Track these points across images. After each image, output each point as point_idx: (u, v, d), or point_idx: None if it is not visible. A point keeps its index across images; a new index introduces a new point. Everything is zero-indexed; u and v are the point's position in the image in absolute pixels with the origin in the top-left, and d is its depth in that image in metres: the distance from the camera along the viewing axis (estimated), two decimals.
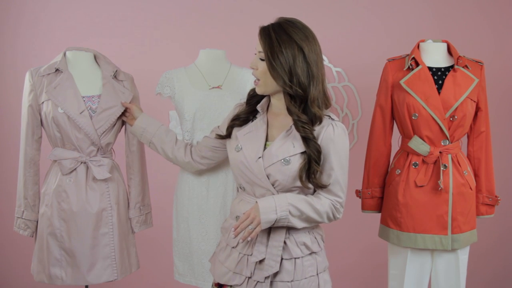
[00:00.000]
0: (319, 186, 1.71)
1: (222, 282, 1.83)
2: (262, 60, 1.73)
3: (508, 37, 3.10)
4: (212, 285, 1.92)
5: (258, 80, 1.76)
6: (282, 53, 1.67)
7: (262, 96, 1.85)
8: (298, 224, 1.71)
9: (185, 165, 2.15)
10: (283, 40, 1.68)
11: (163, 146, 2.13)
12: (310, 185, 1.72)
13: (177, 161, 2.14)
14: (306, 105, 1.70)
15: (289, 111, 1.72)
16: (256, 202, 1.70)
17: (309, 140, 1.69)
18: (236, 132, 1.86)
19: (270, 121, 1.82)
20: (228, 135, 1.90)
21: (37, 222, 2.27)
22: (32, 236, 2.30)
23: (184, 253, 2.29)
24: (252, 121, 1.85)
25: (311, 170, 1.69)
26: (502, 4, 3.09)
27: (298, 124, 1.69)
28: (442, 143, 2.26)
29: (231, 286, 1.80)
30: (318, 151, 1.69)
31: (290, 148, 1.71)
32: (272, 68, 1.68)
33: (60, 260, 2.20)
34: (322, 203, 1.72)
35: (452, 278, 2.31)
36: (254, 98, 1.87)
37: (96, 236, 2.21)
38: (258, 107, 1.83)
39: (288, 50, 1.67)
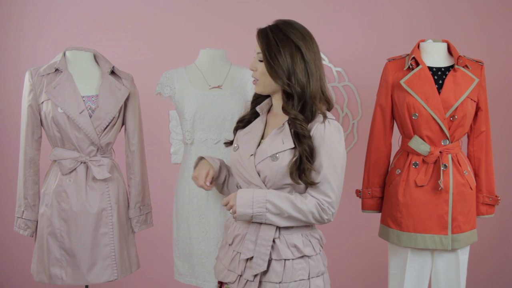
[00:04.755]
0: (309, 183, 1.69)
1: (219, 279, 1.85)
2: (261, 61, 1.74)
3: (508, 37, 3.10)
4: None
5: (257, 79, 1.77)
6: (280, 53, 1.68)
7: (266, 97, 1.86)
8: (279, 222, 1.70)
9: None
10: (281, 40, 1.69)
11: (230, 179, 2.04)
12: (300, 182, 1.70)
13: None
14: (305, 103, 1.70)
15: (285, 111, 1.72)
16: (238, 191, 1.73)
17: (304, 137, 1.68)
18: (238, 133, 1.89)
19: (269, 121, 1.84)
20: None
21: (37, 222, 2.27)
22: (32, 236, 2.30)
23: (184, 253, 2.29)
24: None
25: (302, 167, 1.67)
26: (502, 4, 3.09)
27: (295, 123, 1.69)
28: (442, 143, 2.26)
29: (227, 283, 1.82)
30: (311, 148, 1.68)
31: (279, 145, 1.71)
32: (270, 68, 1.70)
33: (60, 260, 2.20)
34: (306, 202, 1.69)
35: (452, 278, 2.31)
36: (258, 100, 1.88)
37: (96, 236, 2.21)
38: (257, 109, 1.85)
39: (286, 49, 1.68)
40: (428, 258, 2.32)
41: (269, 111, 1.87)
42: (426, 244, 2.25)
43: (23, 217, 2.26)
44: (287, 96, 1.71)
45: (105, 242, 2.23)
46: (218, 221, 2.23)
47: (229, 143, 1.95)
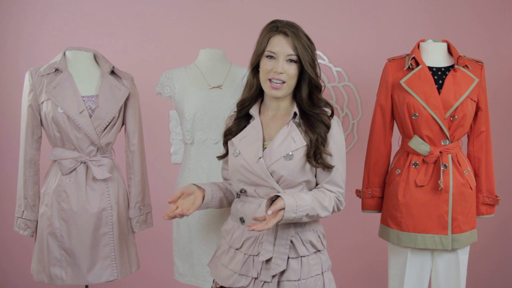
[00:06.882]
0: (326, 166, 1.74)
1: (227, 286, 1.80)
2: (291, 62, 1.76)
3: (508, 37, 3.10)
4: None
5: (283, 82, 1.76)
6: (313, 50, 1.78)
7: (250, 105, 1.87)
8: (305, 221, 1.74)
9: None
10: (307, 38, 1.78)
11: (227, 195, 1.98)
12: (318, 165, 1.74)
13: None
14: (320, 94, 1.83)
15: (311, 105, 1.78)
16: (280, 197, 1.65)
17: (322, 124, 1.76)
18: (231, 140, 1.87)
19: (264, 123, 1.84)
20: (227, 152, 1.91)
21: (37, 222, 2.27)
22: (32, 236, 2.30)
23: (184, 253, 2.29)
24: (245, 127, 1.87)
25: (318, 151, 1.74)
26: (502, 4, 3.09)
27: (321, 115, 1.77)
28: (442, 143, 2.26)
29: None
30: (325, 133, 1.76)
31: (291, 144, 1.75)
32: (313, 67, 1.76)
33: (60, 260, 2.20)
34: (328, 199, 1.75)
35: (452, 278, 2.31)
36: (244, 109, 1.88)
37: (96, 236, 2.21)
38: (251, 112, 1.86)
39: (313, 47, 1.80)
40: (428, 258, 2.32)
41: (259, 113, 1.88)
42: (426, 244, 2.25)
43: (23, 217, 2.26)
44: (311, 91, 1.79)
45: (105, 242, 2.23)
46: (218, 221, 2.22)
47: (222, 156, 1.94)
